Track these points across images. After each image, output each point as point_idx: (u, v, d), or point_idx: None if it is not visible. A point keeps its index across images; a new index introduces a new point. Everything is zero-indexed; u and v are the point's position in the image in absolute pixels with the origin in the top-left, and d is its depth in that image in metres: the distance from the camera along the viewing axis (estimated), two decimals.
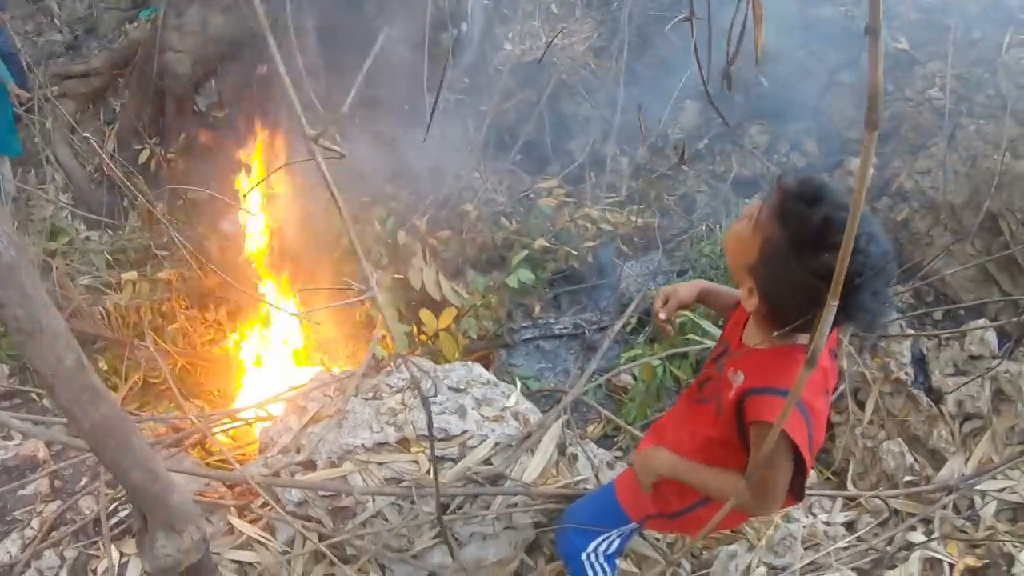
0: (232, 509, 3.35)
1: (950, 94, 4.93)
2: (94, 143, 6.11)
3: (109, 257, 6.21)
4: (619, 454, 3.95)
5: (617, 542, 2.59)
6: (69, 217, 6.85)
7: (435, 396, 3.16)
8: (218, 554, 3.14)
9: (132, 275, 5.71)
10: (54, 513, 3.29)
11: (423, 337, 4.41)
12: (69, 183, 7.19)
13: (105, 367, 5.07)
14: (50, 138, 7.04)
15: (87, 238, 6.74)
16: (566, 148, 6.06)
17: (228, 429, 4.09)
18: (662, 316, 2.35)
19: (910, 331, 4.28)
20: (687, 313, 4.11)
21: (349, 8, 5.71)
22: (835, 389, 2.51)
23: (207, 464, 3.89)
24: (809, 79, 5.60)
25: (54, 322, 1.56)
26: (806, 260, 1.66)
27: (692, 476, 2.11)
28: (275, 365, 4.72)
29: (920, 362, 4.16)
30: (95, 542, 3.16)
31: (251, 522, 3.32)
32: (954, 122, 4.89)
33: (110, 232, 6.83)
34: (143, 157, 7.03)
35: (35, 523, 3.30)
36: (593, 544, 2.59)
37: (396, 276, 4.67)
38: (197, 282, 5.61)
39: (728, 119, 5.88)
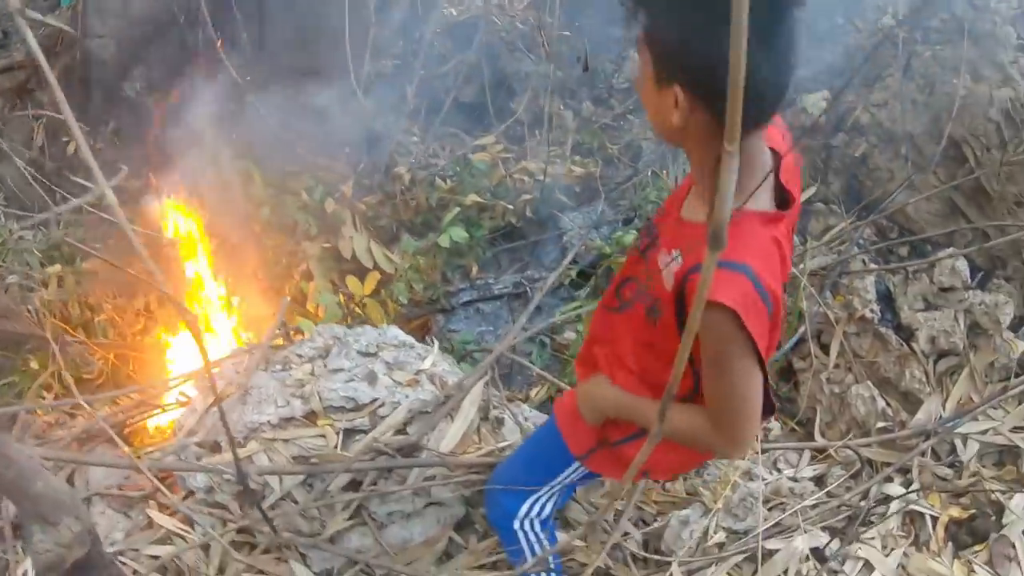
0: (151, 502, 3.09)
1: (903, 21, 4.65)
2: None
3: (39, 254, 5.90)
4: None
5: (550, 505, 2.27)
6: (2, 217, 6.54)
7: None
8: (136, 550, 2.88)
9: (56, 269, 5.41)
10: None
11: (355, 306, 4.15)
12: (0, 183, 6.88)
13: (37, 366, 4.78)
14: None
15: (21, 237, 6.45)
16: (508, 106, 5.78)
17: (149, 416, 3.82)
18: None
19: (874, 266, 4.00)
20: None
21: None
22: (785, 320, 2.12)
23: (138, 456, 3.66)
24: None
25: None
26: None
27: (644, 415, 1.81)
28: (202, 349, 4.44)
29: (887, 299, 3.88)
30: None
31: (171, 515, 3.06)
32: (909, 50, 4.62)
33: (43, 229, 6.54)
34: (71, 148, 6.71)
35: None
36: (526, 506, 2.27)
37: (325, 246, 4.40)
38: (123, 270, 5.33)
39: None
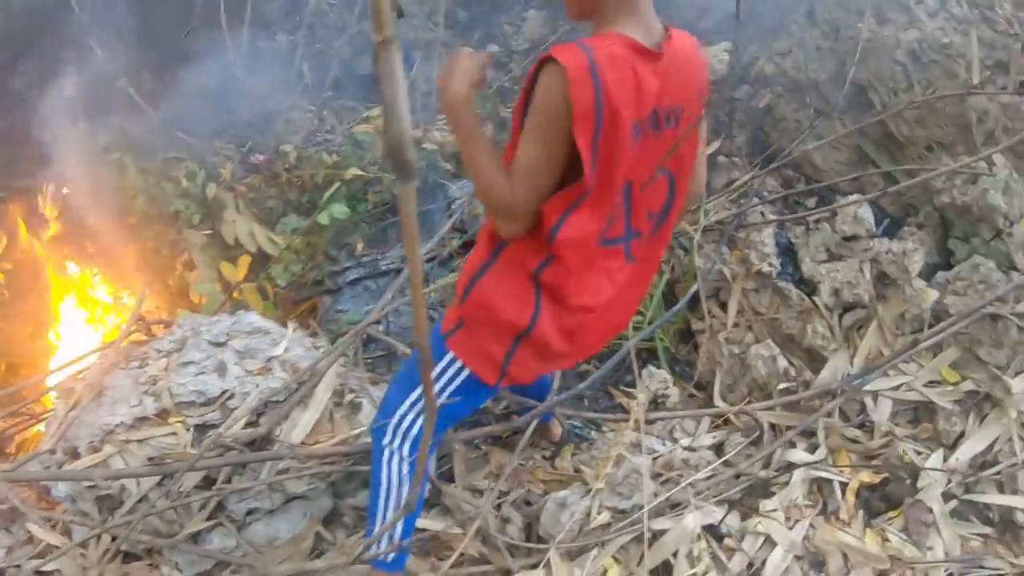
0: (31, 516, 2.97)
1: None
2: None
3: None
4: None
5: (419, 422, 2.18)
6: None
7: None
8: (18, 567, 2.76)
9: None
10: None
11: (236, 295, 4.00)
12: None
13: None
14: None
15: None
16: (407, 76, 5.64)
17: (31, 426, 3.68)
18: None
19: (772, 217, 3.85)
20: None
21: None
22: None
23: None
24: None
25: None
26: None
27: (470, 137, 1.84)
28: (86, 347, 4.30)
29: (789, 252, 3.72)
30: None
31: (52, 527, 2.93)
32: None
33: None
34: None
35: None
36: (396, 417, 2.20)
37: (207, 233, 4.23)
38: (14, 270, 5.13)
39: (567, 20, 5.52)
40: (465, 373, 2.08)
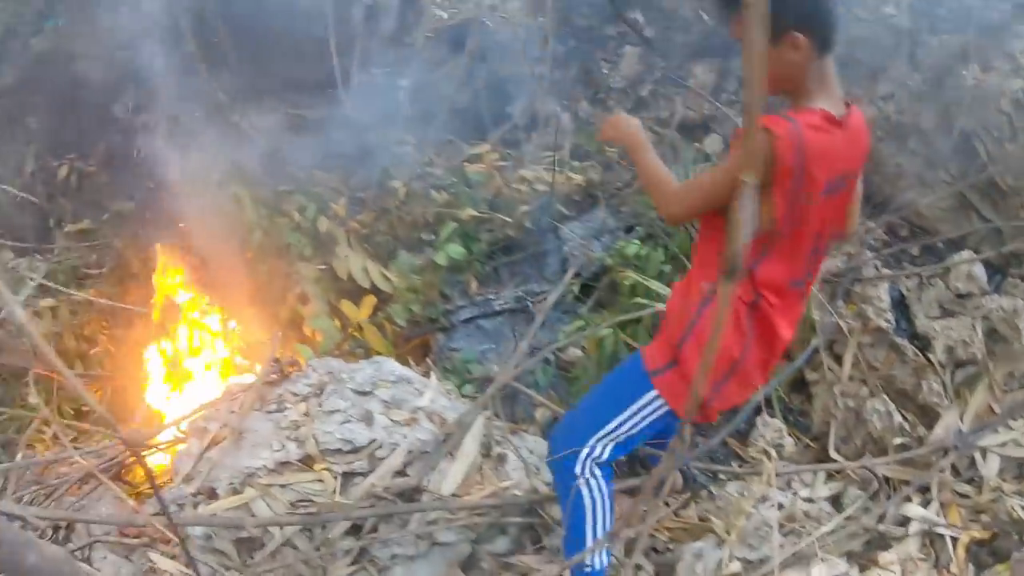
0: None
1: (907, 10, 4.49)
2: None
3: (31, 282, 5.80)
4: None
5: (611, 447, 2.39)
6: None
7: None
8: None
9: (50, 302, 5.30)
10: None
11: (353, 332, 4.02)
12: None
13: (36, 400, 4.69)
14: None
15: (14, 268, 6.36)
16: (504, 110, 5.64)
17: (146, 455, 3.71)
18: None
19: (887, 271, 3.84)
20: (635, 275, 3.71)
21: None
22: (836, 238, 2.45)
23: (136, 496, 3.57)
24: None
25: None
26: None
27: (646, 157, 2.27)
28: (197, 379, 4.34)
29: (901, 306, 3.74)
30: None
31: (173, 559, 2.95)
32: (914, 39, 4.46)
33: (38, 256, 6.44)
34: (63, 173, 6.61)
35: None
36: (589, 445, 2.39)
37: (320, 267, 4.27)
38: (120, 298, 5.23)
39: (670, 60, 5.50)
40: (663, 410, 2.29)
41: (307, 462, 2.71)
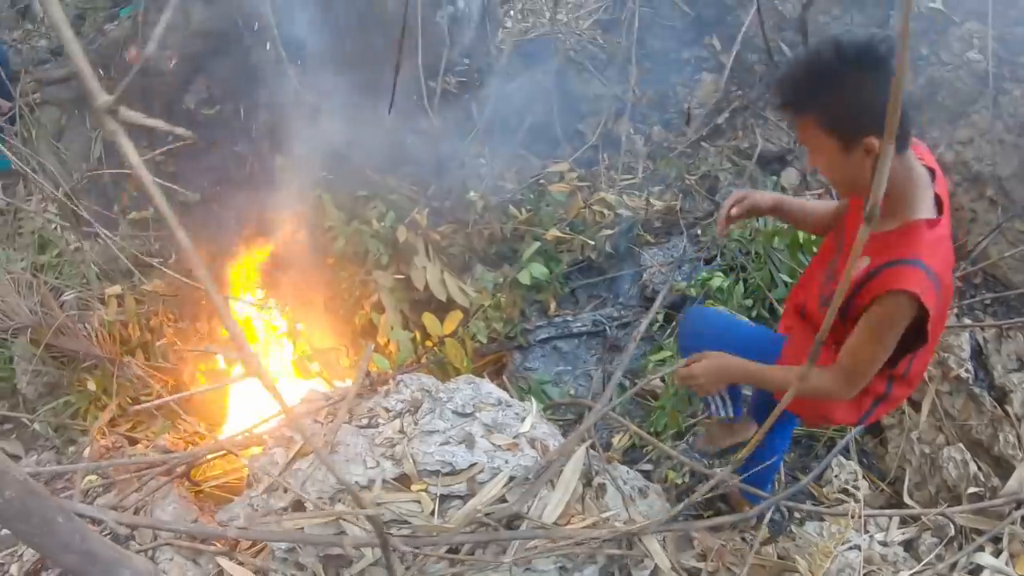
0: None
1: (991, 56, 4.45)
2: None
3: (98, 269, 5.83)
4: (648, 467, 3.56)
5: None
6: (58, 229, 6.48)
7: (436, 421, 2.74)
8: None
9: (116, 289, 5.32)
10: (35, 558, 2.97)
11: (429, 343, 4.00)
12: (57, 193, 6.84)
13: (95, 387, 4.72)
14: (36, 148, 6.66)
15: (77, 249, 6.39)
16: (577, 129, 5.63)
17: (214, 457, 3.71)
18: (733, 212, 2.58)
19: (967, 320, 3.83)
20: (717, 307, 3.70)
21: None
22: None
23: (200, 494, 3.57)
24: None
25: None
26: (852, 87, 1.93)
27: (769, 379, 2.39)
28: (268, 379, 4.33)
29: (979, 356, 3.74)
30: None
31: (241, 564, 2.94)
32: (997, 87, 4.43)
33: (100, 241, 6.48)
34: None
35: (14, 568, 2.99)
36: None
37: (397, 276, 4.26)
38: (188, 292, 5.23)
39: (750, 90, 5.46)
40: None
41: (403, 481, 2.69)
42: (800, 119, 2.04)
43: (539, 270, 4.02)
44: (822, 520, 3.26)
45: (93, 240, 6.46)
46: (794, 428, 3.15)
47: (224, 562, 2.90)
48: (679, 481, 3.47)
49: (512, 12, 6.19)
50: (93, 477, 3.52)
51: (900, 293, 1.96)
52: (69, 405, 4.75)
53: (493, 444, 2.72)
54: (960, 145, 4.48)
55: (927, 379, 3.66)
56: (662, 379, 3.66)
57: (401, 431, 2.81)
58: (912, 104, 2.06)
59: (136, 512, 3.15)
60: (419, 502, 2.63)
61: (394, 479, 2.69)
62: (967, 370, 3.59)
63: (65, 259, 6.02)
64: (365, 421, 2.93)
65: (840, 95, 1.94)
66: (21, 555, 3.10)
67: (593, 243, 4.28)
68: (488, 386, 2.95)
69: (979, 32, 4.64)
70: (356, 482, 2.71)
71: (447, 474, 2.65)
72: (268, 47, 5.54)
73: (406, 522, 2.62)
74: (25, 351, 4.77)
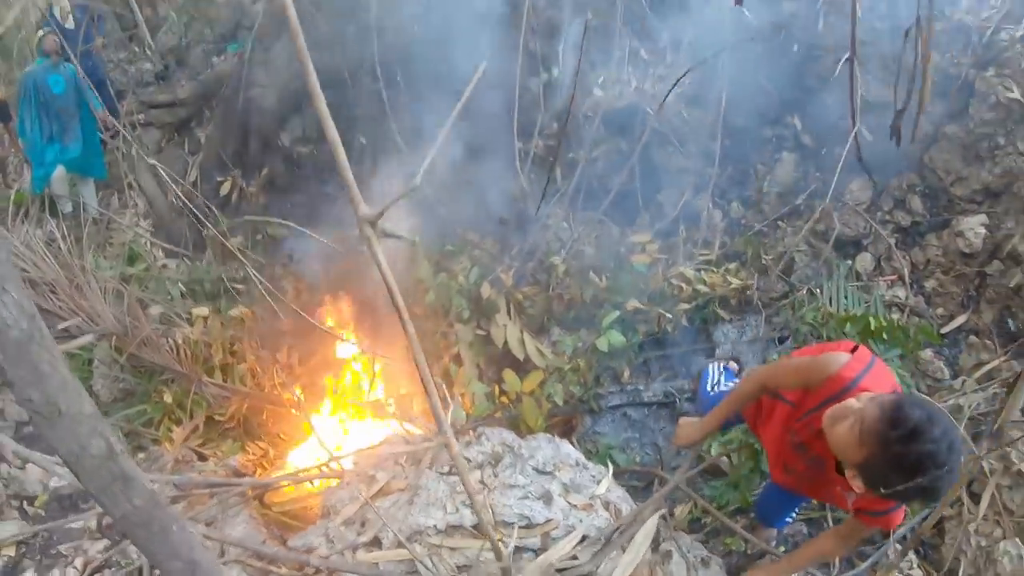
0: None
1: None
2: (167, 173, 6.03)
3: (183, 288, 6.09)
4: (704, 539, 3.64)
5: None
6: (148, 244, 6.78)
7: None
8: None
9: (203, 311, 5.57)
10: (100, 554, 3.16)
11: (504, 398, 4.15)
12: (150, 210, 7.16)
13: (171, 400, 4.93)
14: (134, 165, 7.00)
15: (164, 266, 6.68)
16: (656, 200, 5.78)
17: (289, 482, 3.88)
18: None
19: None
20: None
21: (437, 48, 5.54)
22: None
23: (266, 516, 3.72)
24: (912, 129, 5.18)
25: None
26: (899, 480, 1.99)
27: (793, 564, 2.70)
28: (346, 416, 4.51)
29: None
30: None
31: None
32: None
33: (187, 262, 6.76)
34: (225, 189, 6.98)
35: (79, 562, 3.17)
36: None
37: (479, 332, 4.43)
38: (270, 322, 5.45)
39: (827, 172, 5.55)
40: None
41: (479, 530, 2.82)
42: (864, 427, 2.07)
43: (617, 338, 4.15)
44: None
45: (180, 259, 6.75)
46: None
47: None
48: (733, 547, 3.55)
49: (601, 80, 6.36)
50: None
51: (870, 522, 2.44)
52: (143, 414, 4.94)
53: (569, 503, 2.85)
54: None
55: (987, 472, 3.70)
56: (728, 456, 3.75)
57: (482, 482, 2.95)
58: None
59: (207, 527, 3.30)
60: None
61: (472, 527, 2.83)
62: None
63: (152, 274, 6.26)
64: (446, 468, 3.07)
65: (888, 478, 2.04)
66: (86, 550, 3.27)
67: (670, 316, 4.40)
68: (567, 447, 3.09)
69: None
70: (434, 525, 2.84)
71: (523, 527, 2.78)
72: (370, 94, 5.77)
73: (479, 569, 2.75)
74: (106, 356, 4.96)
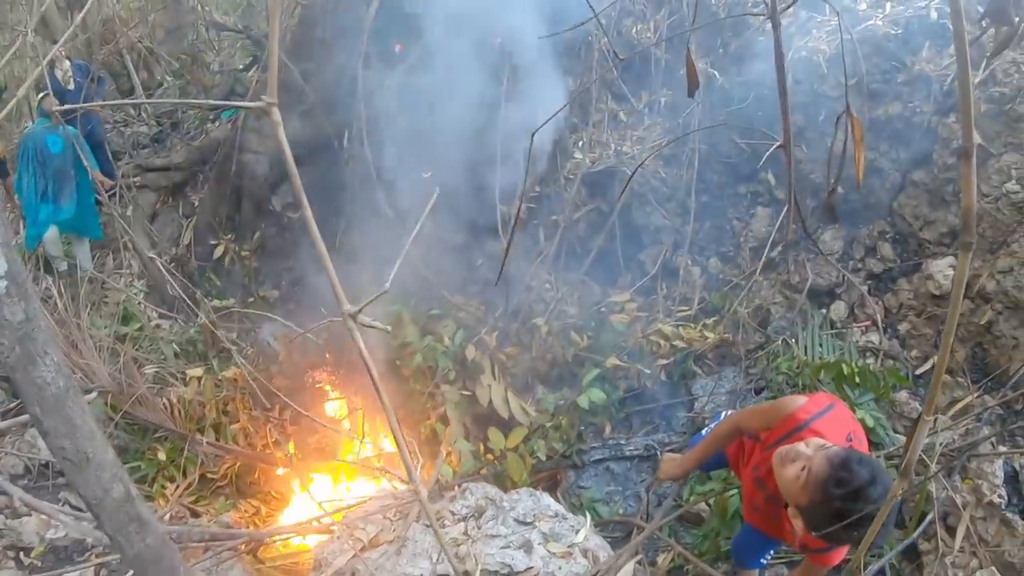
0: None
1: None
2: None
3: (177, 348, 6.22)
4: None
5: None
6: (142, 304, 6.90)
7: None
8: None
9: (198, 371, 5.69)
10: None
11: (490, 456, 4.30)
12: (144, 271, 7.29)
13: (164, 457, 5.03)
14: (129, 226, 7.15)
15: (158, 326, 6.79)
16: (637, 258, 5.94)
17: (282, 538, 3.99)
18: None
19: (1002, 448, 4.02)
20: None
21: (423, 114, 5.76)
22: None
23: (259, 570, 3.82)
24: (880, 179, 5.40)
25: (101, 452, 1.53)
26: (835, 527, 2.08)
27: None
28: (334, 475, 4.64)
29: (1014, 481, 3.90)
30: None
31: None
32: None
33: (180, 323, 6.89)
34: (218, 252, 7.14)
35: None
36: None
37: (464, 392, 4.58)
38: (262, 382, 5.58)
39: (802, 226, 5.71)
40: None
41: None
42: (812, 477, 2.21)
43: (598, 395, 4.31)
44: None
45: (174, 319, 6.88)
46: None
47: None
48: None
49: (580, 143, 6.55)
50: None
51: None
52: (137, 470, 5.02)
53: (549, 551, 3.00)
54: (1000, 275, 4.66)
55: (961, 506, 3.81)
56: (708, 504, 3.89)
57: (465, 533, 3.10)
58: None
59: None
60: None
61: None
62: (1000, 495, 3.75)
63: (146, 334, 6.37)
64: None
65: (830, 525, 2.14)
66: None
67: (649, 372, 4.56)
68: (547, 499, 3.24)
69: (1017, 163, 4.80)
70: (421, 574, 2.98)
71: (506, 574, 2.92)
72: (354, 162, 5.95)
73: None
74: (101, 413, 5.04)
